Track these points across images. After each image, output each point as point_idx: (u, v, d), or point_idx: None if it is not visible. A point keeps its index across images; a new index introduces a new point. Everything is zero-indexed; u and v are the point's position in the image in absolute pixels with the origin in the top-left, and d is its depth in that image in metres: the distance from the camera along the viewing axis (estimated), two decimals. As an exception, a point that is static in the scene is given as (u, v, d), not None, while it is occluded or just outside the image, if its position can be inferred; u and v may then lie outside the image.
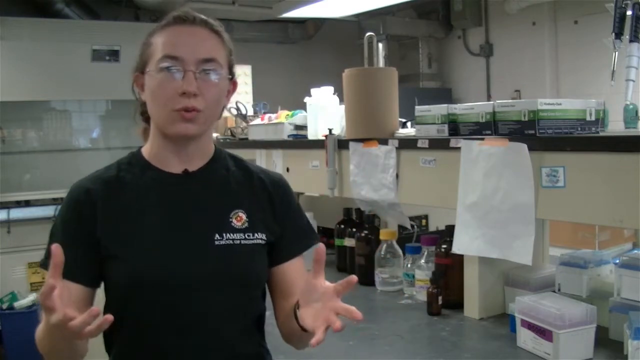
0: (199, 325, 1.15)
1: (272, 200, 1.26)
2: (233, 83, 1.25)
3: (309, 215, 2.08)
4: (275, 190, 1.27)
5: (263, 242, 1.21)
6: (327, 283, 1.05)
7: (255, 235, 1.20)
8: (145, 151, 1.24)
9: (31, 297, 4.36)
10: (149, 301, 1.12)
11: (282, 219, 1.26)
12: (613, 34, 1.90)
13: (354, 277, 1.03)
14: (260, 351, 1.27)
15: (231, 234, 1.18)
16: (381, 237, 2.27)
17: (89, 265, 1.15)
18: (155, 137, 1.22)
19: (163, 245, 1.13)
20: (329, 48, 6.39)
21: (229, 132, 3.32)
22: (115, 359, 1.21)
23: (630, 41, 1.87)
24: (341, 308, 1.00)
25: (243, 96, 4.66)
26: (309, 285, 1.07)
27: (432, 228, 2.64)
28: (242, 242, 1.18)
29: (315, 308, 1.05)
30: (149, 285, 1.11)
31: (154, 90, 1.16)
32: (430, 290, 1.96)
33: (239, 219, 1.20)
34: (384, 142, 2.19)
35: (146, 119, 1.26)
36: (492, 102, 1.83)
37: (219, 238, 1.17)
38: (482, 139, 1.82)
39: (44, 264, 1.16)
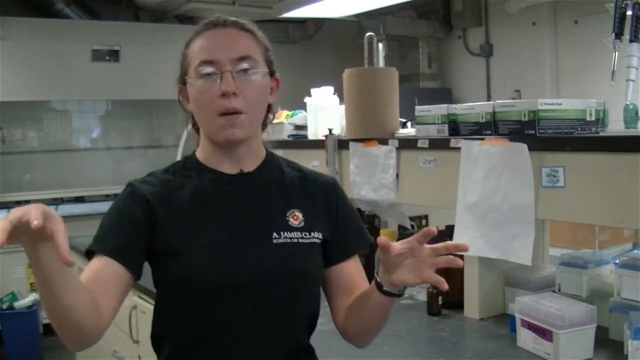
0: (258, 321, 1.16)
1: (328, 201, 1.26)
2: (276, 80, 1.24)
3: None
4: (330, 191, 1.28)
5: (319, 241, 1.22)
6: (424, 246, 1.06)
7: (312, 234, 1.21)
8: (199, 155, 1.25)
9: (31, 297, 4.37)
10: (209, 299, 1.12)
11: (337, 220, 1.26)
12: (613, 34, 1.90)
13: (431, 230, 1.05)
14: (310, 347, 1.28)
15: (289, 233, 1.18)
16: (381, 237, 2.26)
17: (137, 253, 1.14)
18: (206, 143, 1.23)
19: (223, 243, 1.13)
20: (329, 48, 6.39)
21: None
22: (168, 357, 1.19)
23: (630, 41, 1.87)
24: (441, 263, 1.04)
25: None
26: (409, 246, 1.06)
27: (432, 228, 2.64)
28: (300, 240, 1.19)
29: (410, 265, 1.06)
30: (210, 283, 1.11)
31: (196, 98, 1.16)
32: (430, 290, 1.96)
33: (296, 217, 1.21)
34: (384, 142, 2.19)
35: (198, 129, 1.26)
36: (492, 102, 1.84)
37: (277, 237, 1.17)
38: (482, 139, 1.83)
39: (93, 250, 1.13)
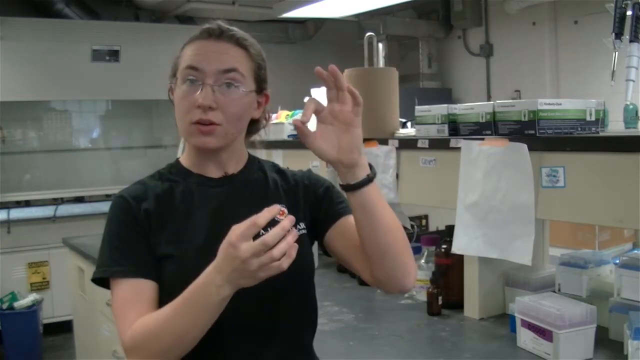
0: (251, 321, 1.16)
1: (305, 187, 1.29)
2: (265, 95, 1.26)
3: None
4: (305, 179, 1.31)
5: (305, 230, 1.24)
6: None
7: (298, 226, 1.22)
8: (184, 161, 1.27)
9: (31, 297, 4.37)
10: None
11: (316, 198, 1.28)
12: (613, 34, 1.90)
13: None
14: (310, 347, 1.28)
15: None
16: (381, 237, 2.26)
17: (153, 262, 1.16)
18: (190, 148, 1.25)
19: (212, 246, 1.13)
20: (329, 48, 6.39)
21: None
22: None
23: (630, 41, 1.87)
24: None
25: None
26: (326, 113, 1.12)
27: (432, 228, 2.64)
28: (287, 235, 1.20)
29: (341, 127, 1.13)
30: None
31: (177, 101, 1.19)
32: (430, 290, 1.96)
33: (282, 213, 1.22)
34: (384, 142, 2.19)
35: None
36: (492, 102, 1.83)
37: (263, 234, 1.17)
38: (482, 139, 1.83)
39: (114, 272, 1.14)
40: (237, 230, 0.98)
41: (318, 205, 1.28)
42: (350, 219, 1.22)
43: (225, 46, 1.19)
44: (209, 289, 1.01)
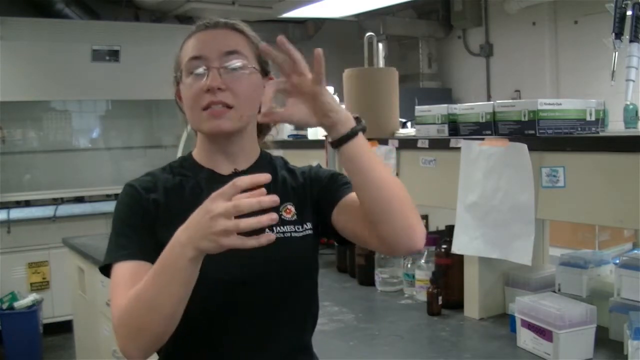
0: (255, 319, 1.16)
1: (313, 182, 1.27)
2: (270, 79, 1.25)
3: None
4: (312, 175, 1.29)
5: (312, 231, 1.24)
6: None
7: (304, 226, 1.22)
8: (196, 155, 1.27)
9: (31, 297, 4.37)
10: (205, 297, 1.11)
11: (321, 186, 1.27)
12: (613, 34, 1.90)
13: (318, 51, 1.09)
14: (310, 345, 1.28)
15: (282, 227, 1.19)
16: (381, 237, 2.26)
17: (157, 250, 1.12)
18: (201, 141, 1.25)
19: None
20: (329, 48, 6.34)
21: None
22: (166, 357, 1.20)
23: (630, 41, 1.87)
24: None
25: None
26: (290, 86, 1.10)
27: (432, 228, 2.64)
28: (293, 234, 1.20)
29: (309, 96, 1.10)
30: (206, 282, 1.09)
31: (185, 94, 1.18)
32: (430, 290, 1.96)
33: (288, 211, 1.23)
34: (384, 142, 2.19)
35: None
36: (492, 102, 1.84)
37: (269, 232, 1.17)
38: (482, 139, 1.83)
39: (119, 256, 1.12)
40: (219, 190, 0.95)
41: (323, 191, 1.27)
42: (354, 195, 1.19)
43: (224, 31, 1.20)
44: (175, 249, 0.98)
